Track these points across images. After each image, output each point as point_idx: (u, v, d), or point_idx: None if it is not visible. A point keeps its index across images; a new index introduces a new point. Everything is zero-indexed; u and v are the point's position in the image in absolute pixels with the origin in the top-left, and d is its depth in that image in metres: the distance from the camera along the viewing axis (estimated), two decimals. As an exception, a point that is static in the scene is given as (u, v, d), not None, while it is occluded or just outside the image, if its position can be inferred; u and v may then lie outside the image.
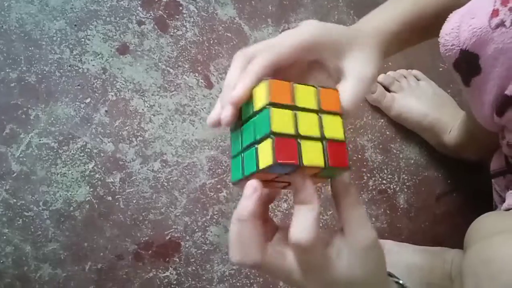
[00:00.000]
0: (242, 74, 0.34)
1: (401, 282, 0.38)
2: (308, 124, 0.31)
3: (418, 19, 0.44)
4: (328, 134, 0.31)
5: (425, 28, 0.45)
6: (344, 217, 0.32)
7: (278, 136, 0.30)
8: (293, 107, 0.31)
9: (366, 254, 0.32)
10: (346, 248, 0.31)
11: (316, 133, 0.31)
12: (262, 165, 0.30)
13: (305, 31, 0.36)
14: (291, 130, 0.30)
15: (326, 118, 0.32)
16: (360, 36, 0.38)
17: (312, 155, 0.30)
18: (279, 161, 0.29)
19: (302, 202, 0.30)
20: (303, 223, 0.30)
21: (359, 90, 0.36)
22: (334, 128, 0.32)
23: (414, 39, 0.46)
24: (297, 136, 0.30)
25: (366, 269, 0.32)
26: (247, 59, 0.35)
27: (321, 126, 0.31)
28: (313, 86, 0.33)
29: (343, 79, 0.37)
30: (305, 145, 0.30)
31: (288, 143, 0.30)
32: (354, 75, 0.36)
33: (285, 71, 0.36)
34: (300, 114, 0.31)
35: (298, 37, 0.35)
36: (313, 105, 0.32)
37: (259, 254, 0.31)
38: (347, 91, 0.35)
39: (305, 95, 0.32)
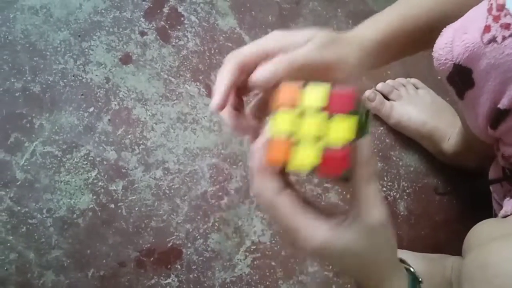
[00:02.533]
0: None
1: (412, 269, 0.39)
2: (309, 127, 0.30)
3: (406, 29, 0.45)
4: (329, 138, 0.30)
5: (415, 39, 0.46)
6: (358, 191, 0.32)
7: (275, 139, 0.30)
8: (300, 109, 0.31)
9: (377, 232, 0.32)
10: (357, 222, 0.31)
11: (315, 137, 0.30)
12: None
13: (267, 38, 0.39)
14: (289, 133, 0.30)
15: (333, 121, 0.30)
16: (346, 51, 0.40)
17: (303, 159, 0.30)
18: (269, 162, 0.30)
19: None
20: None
21: (305, 48, 0.37)
22: (339, 131, 0.30)
23: (404, 50, 0.47)
24: (293, 138, 0.30)
25: (375, 246, 0.32)
26: (239, 64, 0.37)
27: (324, 129, 0.30)
28: (326, 85, 0.32)
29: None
30: (299, 149, 0.30)
31: (281, 145, 0.30)
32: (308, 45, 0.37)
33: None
34: (305, 116, 0.31)
35: (258, 44, 0.38)
36: (320, 105, 0.31)
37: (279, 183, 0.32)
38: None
39: (315, 95, 0.31)
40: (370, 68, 0.43)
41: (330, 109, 0.31)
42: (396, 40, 0.44)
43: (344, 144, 0.30)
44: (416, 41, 0.46)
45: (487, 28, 0.38)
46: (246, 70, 0.38)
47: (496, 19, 0.37)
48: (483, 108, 0.42)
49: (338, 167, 0.30)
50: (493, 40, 0.37)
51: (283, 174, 0.32)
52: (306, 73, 0.37)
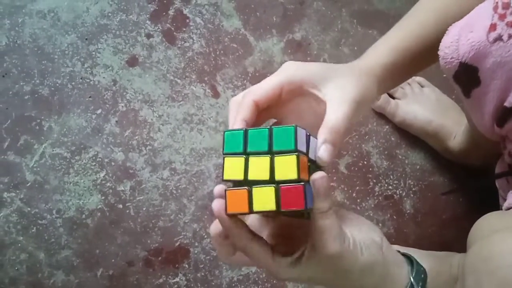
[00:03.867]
0: (235, 117, 0.37)
1: (408, 254, 0.41)
2: (258, 169, 0.32)
3: (409, 50, 0.46)
4: (279, 176, 0.31)
5: (419, 58, 0.47)
6: (314, 223, 0.34)
7: (230, 187, 0.32)
8: (245, 153, 0.33)
9: (334, 262, 0.34)
10: (314, 254, 0.34)
11: (266, 177, 0.32)
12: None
13: (282, 71, 0.39)
14: (240, 176, 0.32)
15: (278, 160, 0.32)
16: (338, 70, 0.40)
17: (263, 200, 0.31)
18: (228, 212, 0.32)
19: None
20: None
21: (340, 112, 0.37)
22: (287, 168, 0.31)
23: (411, 70, 0.48)
24: (246, 182, 0.32)
25: (338, 273, 0.35)
26: (238, 103, 0.39)
27: (272, 169, 0.32)
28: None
29: (327, 105, 0.38)
30: (256, 191, 0.31)
31: (239, 192, 0.32)
32: (333, 100, 0.38)
33: (276, 107, 0.40)
34: (251, 159, 0.32)
35: (274, 78, 0.39)
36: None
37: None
38: (326, 117, 0.37)
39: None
40: (384, 91, 0.45)
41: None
42: (403, 65, 0.45)
43: (295, 180, 0.31)
44: (423, 58, 0.47)
45: (492, 27, 0.38)
46: (260, 107, 0.38)
47: (501, 17, 0.37)
48: (489, 107, 0.42)
49: (298, 200, 0.31)
50: (499, 38, 0.37)
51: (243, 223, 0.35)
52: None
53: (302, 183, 0.31)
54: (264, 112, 0.39)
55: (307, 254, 0.34)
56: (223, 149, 0.34)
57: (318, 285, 0.37)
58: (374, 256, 0.36)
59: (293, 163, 0.31)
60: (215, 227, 0.35)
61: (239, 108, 0.37)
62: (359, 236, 0.36)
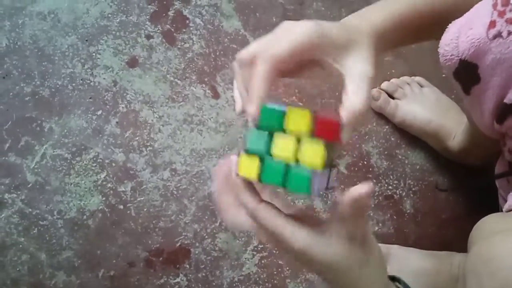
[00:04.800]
0: (252, 91, 0.35)
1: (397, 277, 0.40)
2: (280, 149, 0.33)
3: (413, 18, 0.44)
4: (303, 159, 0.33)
5: (418, 28, 0.45)
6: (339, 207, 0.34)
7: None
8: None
9: (355, 250, 0.34)
10: (337, 236, 0.34)
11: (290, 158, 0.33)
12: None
13: (301, 33, 0.36)
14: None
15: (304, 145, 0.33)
16: (357, 36, 0.38)
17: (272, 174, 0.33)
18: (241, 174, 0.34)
19: None
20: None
21: (362, 96, 0.36)
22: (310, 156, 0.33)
23: (406, 39, 0.46)
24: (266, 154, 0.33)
25: (354, 263, 0.34)
26: (246, 64, 0.37)
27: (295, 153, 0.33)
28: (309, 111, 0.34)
29: (347, 81, 0.36)
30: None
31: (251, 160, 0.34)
32: (354, 79, 0.36)
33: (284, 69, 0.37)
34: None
35: (293, 42, 0.35)
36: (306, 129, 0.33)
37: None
38: (348, 100, 0.36)
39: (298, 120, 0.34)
40: (382, 51, 0.42)
41: (316, 132, 0.33)
42: (404, 29, 0.44)
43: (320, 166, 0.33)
44: (427, 24, 0.45)
45: (492, 24, 0.38)
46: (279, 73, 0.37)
47: (501, 14, 0.37)
48: (489, 103, 0.42)
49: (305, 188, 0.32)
50: (498, 35, 0.38)
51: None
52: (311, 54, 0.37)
53: (312, 172, 0.32)
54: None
55: (329, 233, 0.34)
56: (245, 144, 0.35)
57: (323, 276, 0.36)
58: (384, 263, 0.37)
59: (321, 155, 0.32)
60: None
61: (254, 78, 0.35)
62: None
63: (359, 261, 0.35)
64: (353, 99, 0.35)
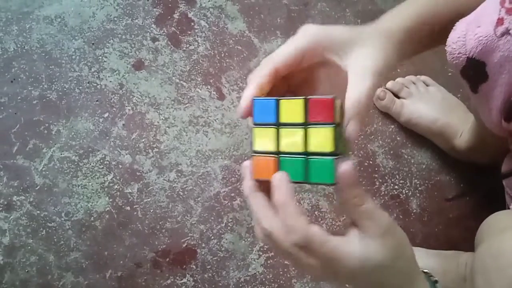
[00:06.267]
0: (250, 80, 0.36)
1: (435, 278, 0.39)
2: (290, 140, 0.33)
3: (432, 18, 0.44)
4: (313, 148, 0.32)
5: (437, 30, 0.45)
6: (350, 213, 0.33)
7: (257, 154, 0.33)
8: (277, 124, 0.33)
9: (381, 241, 0.33)
10: (357, 238, 0.33)
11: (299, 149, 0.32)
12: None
13: (303, 35, 0.37)
14: (271, 148, 0.33)
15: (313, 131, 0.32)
16: (362, 34, 0.38)
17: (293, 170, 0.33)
18: (255, 178, 0.33)
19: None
20: None
21: (364, 86, 0.35)
22: (319, 141, 0.32)
23: (427, 41, 0.45)
24: (277, 153, 0.33)
25: (384, 255, 0.33)
26: (271, 72, 0.38)
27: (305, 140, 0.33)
28: (303, 97, 0.34)
29: (349, 75, 0.36)
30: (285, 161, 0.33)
31: (265, 161, 0.33)
32: (357, 71, 0.36)
33: (293, 73, 0.38)
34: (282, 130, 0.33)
35: (295, 43, 0.36)
36: (300, 118, 0.33)
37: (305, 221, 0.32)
38: (350, 91, 0.35)
39: (292, 109, 0.33)
40: (401, 59, 0.42)
41: (310, 117, 0.32)
42: (426, 26, 0.43)
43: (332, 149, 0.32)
44: (444, 28, 0.44)
45: (500, 21, 0.38)
46: (280, 74, 0.37)
47: (509, 11, 0.37)
48: (497, 101, 0.42)
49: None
50: (506, 32, 0.37)
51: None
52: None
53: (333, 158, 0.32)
54: (281, 79, 0.38)
55: (366, 235, 0.33)
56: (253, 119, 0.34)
57: (375, 281, 0.35)
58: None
59: (329, 136, 0.32)
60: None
61: (256, 72, 0.36)
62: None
63: (395, 251, 0.34)
64: (355, 93, 0.35)
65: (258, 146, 0.33)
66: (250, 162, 0.34)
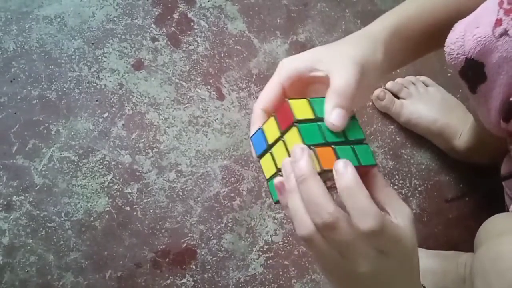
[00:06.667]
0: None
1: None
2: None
3: (427, 15, 0.45)
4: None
5: (431, 32, 0.46)
6: (381, 198, 0.33)
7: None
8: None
9: (411, 227, 0.32)
10: (398, 221, 0.32)
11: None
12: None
13: (278, 70, 0.39)
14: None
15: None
16: (336, 41, 0.40)
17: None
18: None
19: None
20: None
21: (343, 75, 0.36)
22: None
23: (421, 39, 0.46)
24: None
25: (413, 241, 0.33)
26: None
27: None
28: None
29: (330, 78, 0.37)
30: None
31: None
32: (336, 67, 0.37)
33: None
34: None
35: (272, 81, 0.39)
36: (277, 132, 0.35)
37: (334, 207, 0.30)
38: (330, 82, 0.36)
39: (271, 128, 0.35)
40: (392, 58, 0.42)
41: (281, 127, 0.34)
42: (411, 31, 0.44)
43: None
44: (432, 35, 0.45)
45: (498, 22, 0.38)
46: (270, 111, 0.38)
47: (507, 12, 0.37)
48: (496, 102, 0.42)
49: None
50: (504, 33, 0.38)
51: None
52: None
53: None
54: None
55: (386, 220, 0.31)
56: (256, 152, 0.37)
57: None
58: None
59: (296, 135, 0.33)
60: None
61: (252, 120, 0.39)
62: None
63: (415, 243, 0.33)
64: (336, 81, 0.36)
65: (267, 173, 0.36)
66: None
